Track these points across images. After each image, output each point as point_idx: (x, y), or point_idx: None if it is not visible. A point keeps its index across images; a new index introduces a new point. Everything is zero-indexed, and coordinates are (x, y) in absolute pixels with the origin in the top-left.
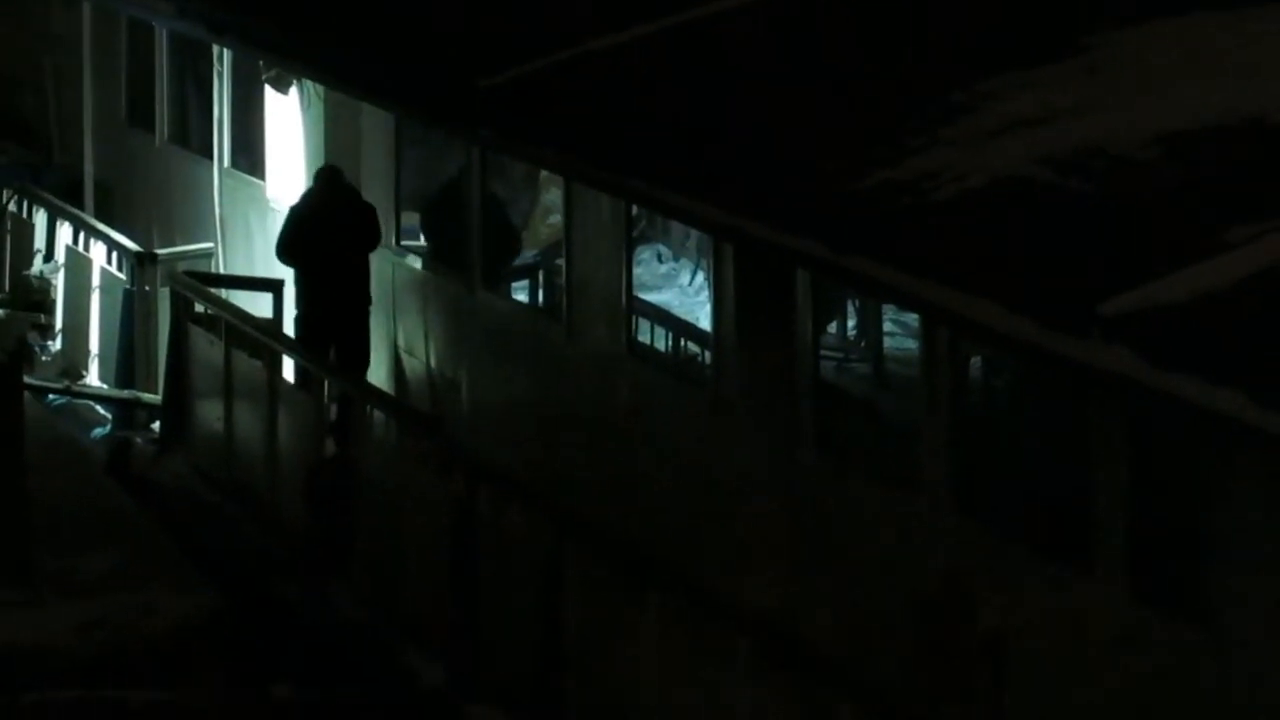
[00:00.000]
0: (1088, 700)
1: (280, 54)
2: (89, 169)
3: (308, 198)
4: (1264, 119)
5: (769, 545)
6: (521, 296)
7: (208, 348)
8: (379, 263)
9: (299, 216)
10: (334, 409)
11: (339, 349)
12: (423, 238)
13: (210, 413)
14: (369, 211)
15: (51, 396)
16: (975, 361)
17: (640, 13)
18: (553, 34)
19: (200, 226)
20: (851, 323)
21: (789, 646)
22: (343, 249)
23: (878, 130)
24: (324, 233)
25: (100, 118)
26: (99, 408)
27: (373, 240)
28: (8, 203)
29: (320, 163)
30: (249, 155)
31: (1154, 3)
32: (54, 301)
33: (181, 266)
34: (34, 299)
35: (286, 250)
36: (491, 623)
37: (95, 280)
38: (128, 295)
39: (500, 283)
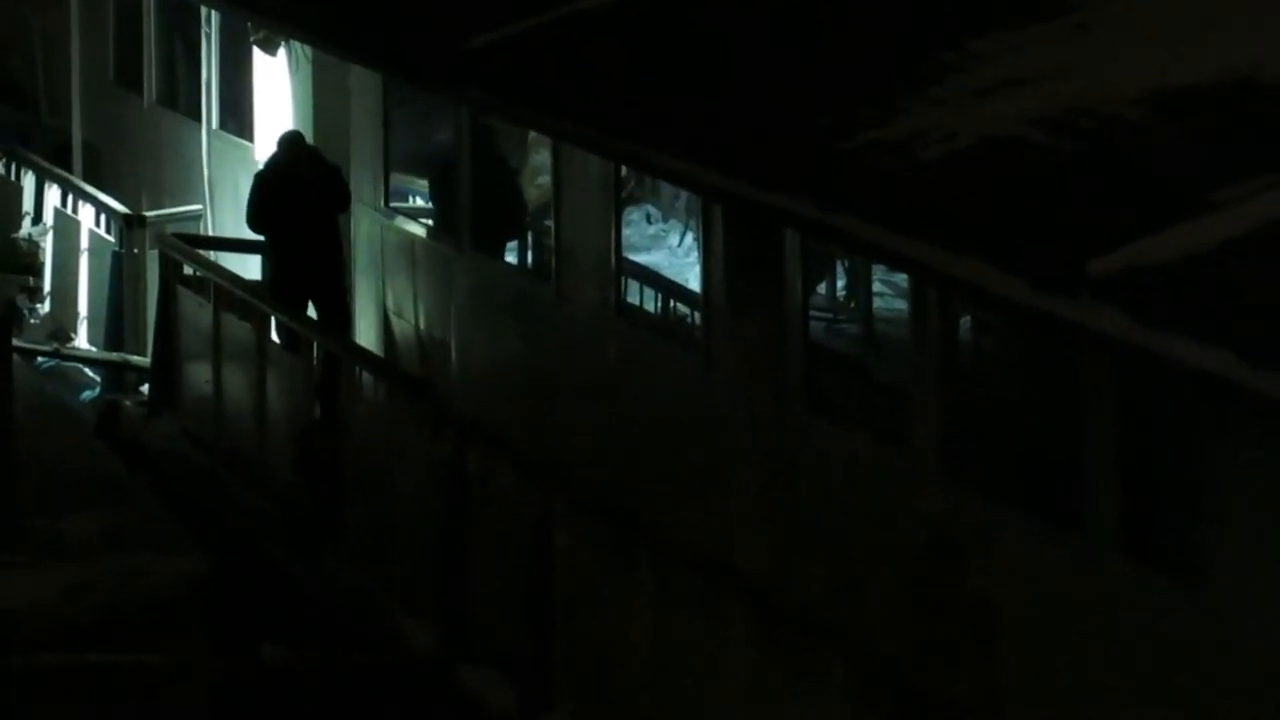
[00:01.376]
0: (1078, 660)
1: (268, 15)
2: (77, 131)
3: (272, 164)
4: (1255, 77)
5: (758, 506)
6: (510, 258)
7: (196, 310)
8: (367, 225)
9: (264, 183)
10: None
11: (320, 312)
12: (432, 204)
13: (199, 375)
14: (334, 173)
15: (40, 359)
16: (964, 321)
17: None
18: None
19: (189, 189)
20: (841, 283)
21: (779, 605)
22: (309, 212)
23: (866, 90)
24: (290, 197)
25: (88, 80)
26: (88, 370)
27: (340, 201)
28: None
29: (309, 124)
30: (237, 117)
31: None
32: (42, 264)
33: (170, 229)
34: (22, 262)
35: (255, 218)
36: (482, 584)
37: (84, 243)
38: (116, 258)
39: (500, 250)
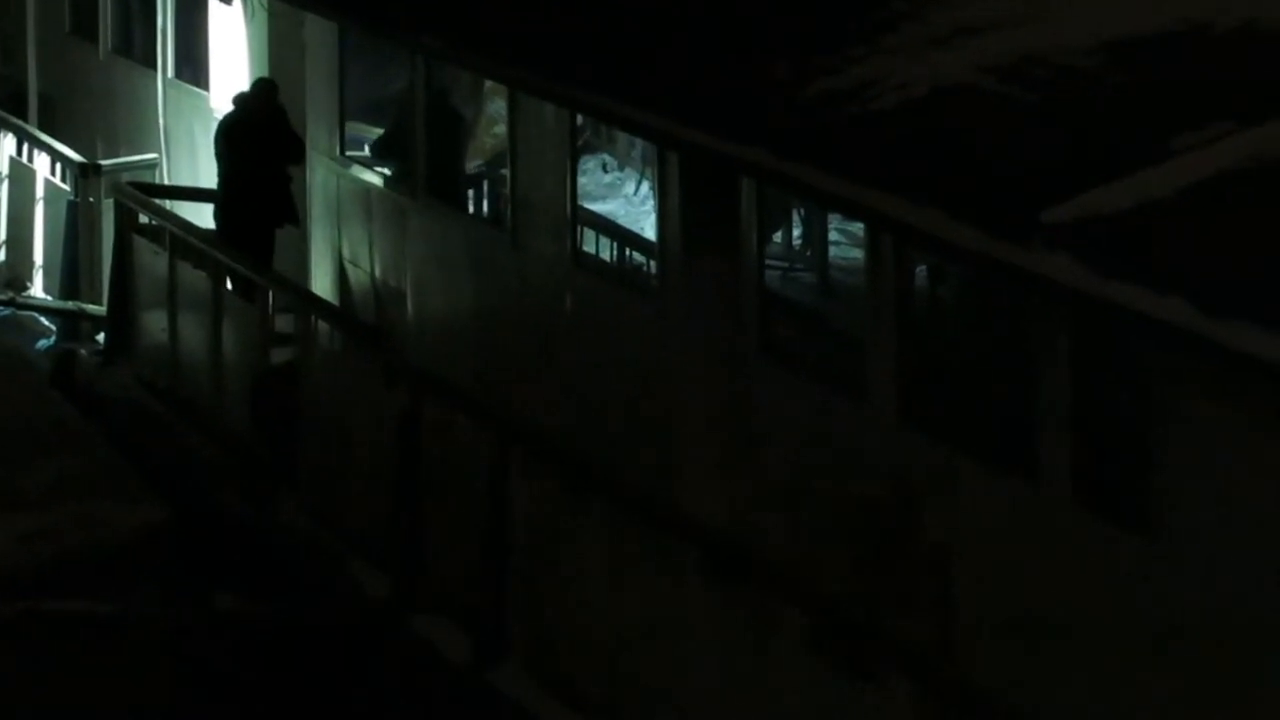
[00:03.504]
0: (1033, 608)
1: None
2: (32, 80)
3: (241, 105)
4: (1209, 26)
5: (715, 454)
6: (467, 206)
7: (152, 259)
8: (322, 174)
9: (228, 125)
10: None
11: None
12: (380, 157)
13: (155, 324)
14: (291, 130)
15: None
16: (920, 270)
17: None
18: None
19: (144, 137)
20: (797, 232)
21: (735, 554)
22: (265, 163)
23: (821, 38)
24: (248, 145)
25: (43, 29)
26: (43, 319)
27: (294, 153)
28: None
29: (264, 72)
30: (193, 66)
31: None
32: None
33: (125, 178)
34: None
35: (216, 153)
36: (437, 533)
37: (39, 192)
38: (71, 206)
39: (450, 189)
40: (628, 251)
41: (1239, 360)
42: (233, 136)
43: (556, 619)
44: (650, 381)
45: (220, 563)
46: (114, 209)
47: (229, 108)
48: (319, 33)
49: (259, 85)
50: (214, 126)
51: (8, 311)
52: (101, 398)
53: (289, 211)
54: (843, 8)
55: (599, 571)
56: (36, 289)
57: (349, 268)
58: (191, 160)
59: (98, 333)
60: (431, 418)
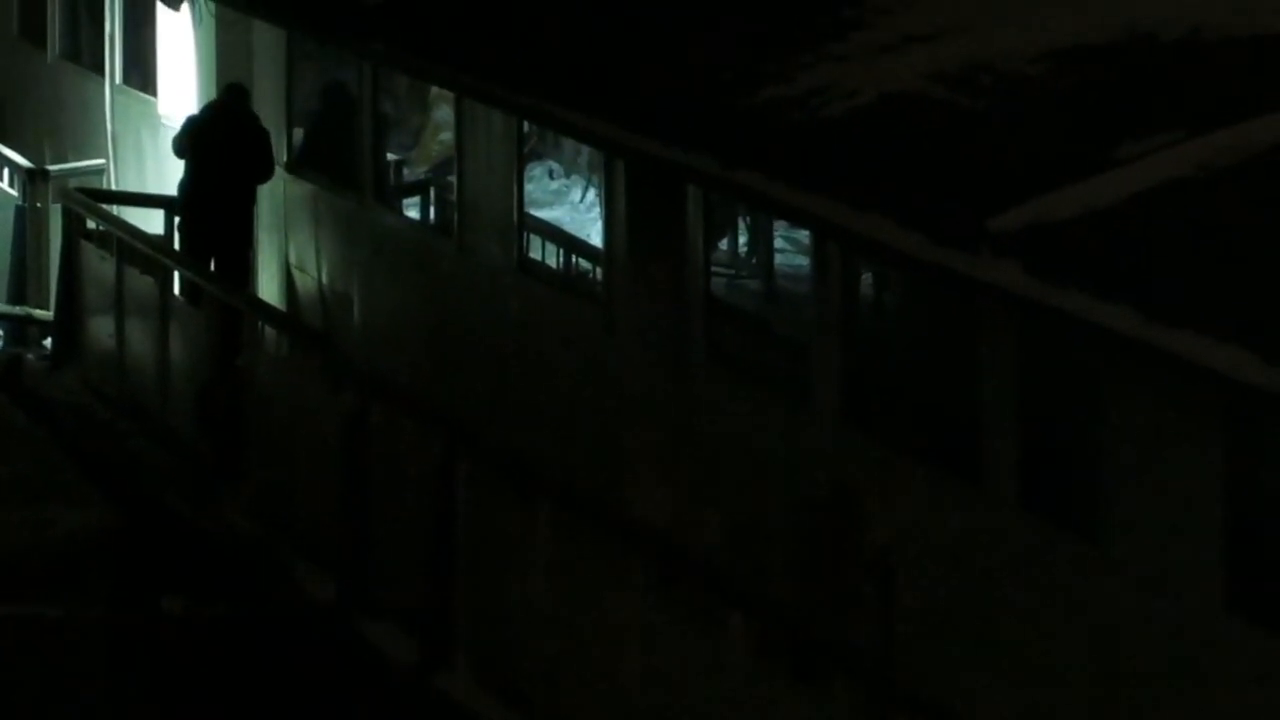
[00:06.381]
0: (975, 612)
1: None
2: None
3: (208, 109)
4: (1155, 34)
5: (660, 459)
6: (413, 213)
7: (99, 264)
8: (269, 180)
9: (195, 126)
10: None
11: (218, 264)
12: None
13: (102, 329)
14: (265, 138)
15: None
16: (866, 277)
17: None
18: None
19: (92, 143)
20: (743, 239)
21: (679, 560)
22: (233, 168)
23: (768, 45)
24: (216, 148)
25: None
26: None
27: (264, 165)
28: None
29: (212, 79)
30: (141, 71)
31: None
32: None
33: (73, 183)
34: None
35: (178, 151)
36: (383, 537)
37: None
38: (19, 212)
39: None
40: (574, 258)
41: (1185, 367)
42: (199, 140)
43: (503, 623)
44: (597, 387)
45: (167, 566)
46: (62, 214)
47: (176, 114)
48: (267, 39)
49: (229, 89)
50: (161, 132)
51: None
52: (49, 402)
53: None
54: (791, 15)
55: (546, 575)
56: None
57: (296, 273)
58: (139, 166)
59: (45, 338)
60: (378, 421)
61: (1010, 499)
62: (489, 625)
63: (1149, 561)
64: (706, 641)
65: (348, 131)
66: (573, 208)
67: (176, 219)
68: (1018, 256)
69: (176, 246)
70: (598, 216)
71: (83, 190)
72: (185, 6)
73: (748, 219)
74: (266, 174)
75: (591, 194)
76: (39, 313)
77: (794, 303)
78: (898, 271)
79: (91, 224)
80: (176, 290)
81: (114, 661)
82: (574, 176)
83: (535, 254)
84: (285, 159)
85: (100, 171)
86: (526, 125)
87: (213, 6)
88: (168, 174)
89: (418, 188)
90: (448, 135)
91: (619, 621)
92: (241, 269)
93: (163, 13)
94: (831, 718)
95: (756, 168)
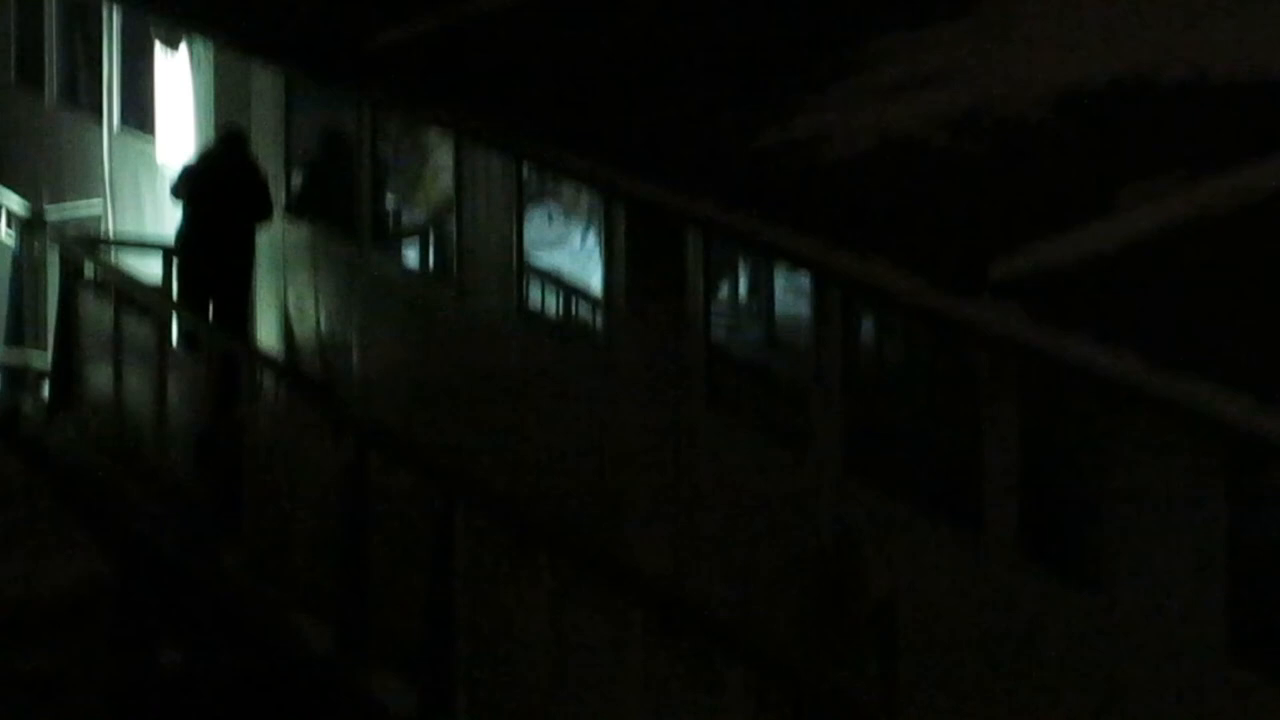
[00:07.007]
0: (977, 662)
1: (169, 12)
2: None
3: (205, 155)
4: (1154, 78)
5: (661, 506)
6: (413, 258)
7: (97, 310)
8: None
9: (193, 172)
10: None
11: (216, 311)
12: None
13: (99, 376)
14: (263, 186)
15: None
16: (867, 322)
17: None
18: None
19: (90, 187)
20: (743, 284)
21: (681, 610)
22: (231, 213)
23: (770, 90)
24: (214, 193)
25: None
26: None
27: (263, 211)
28: None
29: (210, 122)
30: (139, 115)
31: None
32: None
33: (71, 228)
34: None
35: (176, 195)
36: (382, 586)
37: None
38: (16, 258)
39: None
40: (574, 303)
41: (1187, 415)
42: (197, 185)
43: (503, 672)
44: (597, 433)
45: (165, 616)
46: (59, 260)
47: (175, 157)
48: (265, 82)
49: (227, 134)
50: (159, 177)
51: None
52: (46, 450)
53: (247, 268)
54: (791, 58)
55: (544, 625)
56: None
57: (294, 318)
58: (137, 210)
59: (42, 385)
60: (376, 470)
61: (1012, 548)
62: (488, 674)
63: (1152, 611)
64: (707, 691)
65: (346, 176)
66: (573, 253)
67: (175, 264)
68: (1019, 302)
69: (175, 291)
70: (598, 261)
71: (80, 236)
72: (183, 50)
73: (748, 264)
74: (265, 218)
75: (591, 238)
76: (36, 359)
77: (794, 348)
78: (899, 317)
79: (89, 270)
80: (175, 337)
81: (111, 715)
82: (574, 221)
83: (535, 299)
84: (284, 203)
85: (98, 216)
86: (526, 169)
87: (211, 50)
88: (166, 218)
89: (417, 232)
90: (447, 179)
91: (619, 670)
92: (240, 314)
93: (161, 56)
94: None
95: (757, 211)
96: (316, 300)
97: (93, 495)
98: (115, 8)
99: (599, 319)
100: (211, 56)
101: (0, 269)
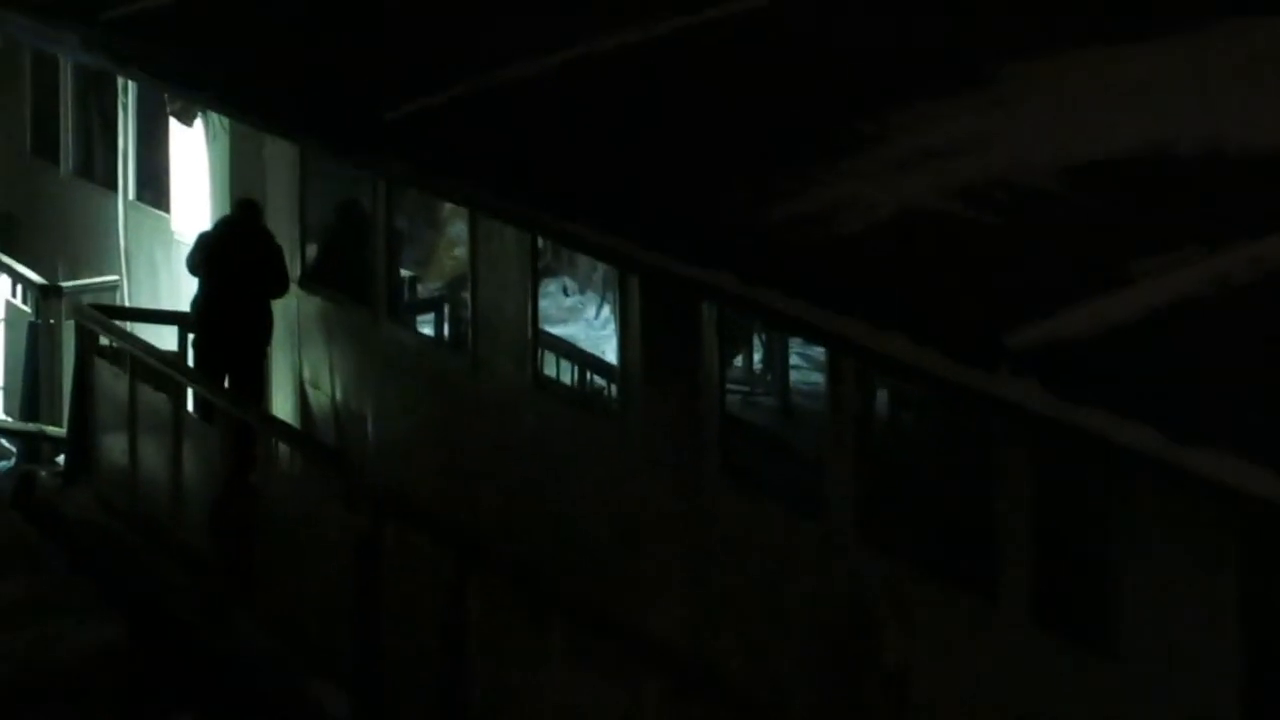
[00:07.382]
0: None
1: (185, 86)
2: None
3: (220, 226)
4: (1171, 150)
5: (676, 577)
6: (427, 329)
7: (112, 381)
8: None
9: (208, 243)
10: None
11: (231, 381)
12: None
13: (115, 445)
14: (278, 255)
15: None
16: (881, 394)
17: (547, 45)
18: (460, 65)
19: (105, 259)
20: (758, 356)
21: (695, 677)
22: (246, 284)
23: (787, 162)
24: (229, 265)
25: (4, 149)
26: (3, 441)
27: (278, 282)
28: None
29: (225, 195)
30: (154, 188)
31: (1062, 34)
32: None
33: (86, 299)
34: None
35: (191, 268)
36: (397, 653)
37: (0, 313)
38: (32, 328)
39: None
40: (589, 375)
41: (1204, 486)
42: (212, 257)
43: None
44: (612, 505)
45: (180, 683)
46: (75, 331)
47: (190, 230)
48: (280, 154)
49: (241, 206)
50: (175, 249)
51: None
52: (62, 518)
53: (262, 340)
54: (809, 130)
55: (560, 692)
56: None
57: (309, 390)
58: (152, 282)
59: (58, 454)
60: (391, 540)
61: (1027, 616)
62: None
63: (1167, 681)
64: None
65: (361, 247)
66: (588, 324)
67: (190, 336)
68: (1036, 374)
69: (190, 363)
70: (613, 333)
71: (96, 306)
72: (199, 122)
73: (763, 335)
74: (280, 290)
75: (606, 310)
76: (52, 429)
77: (809, 419)
78: (914, 388)
79: (105, 341)
80: (190, 407)
81: None
82: (589, 293)
83: (550, 371)
84: (299, 274)
85: (114, 288)
86: (540, 241)
87: (226, 122)
88: (181, 290)
89: (431, 304)
90: (461, 251)
91: None
92: (256, 386)
93: (176, 129)
94: None
95: (773, 285)
96: (331, 371)
97: (108, 562)
98: (131, 82)
99: (614, 390)
100: (226, 128)
101: (17, 340)
